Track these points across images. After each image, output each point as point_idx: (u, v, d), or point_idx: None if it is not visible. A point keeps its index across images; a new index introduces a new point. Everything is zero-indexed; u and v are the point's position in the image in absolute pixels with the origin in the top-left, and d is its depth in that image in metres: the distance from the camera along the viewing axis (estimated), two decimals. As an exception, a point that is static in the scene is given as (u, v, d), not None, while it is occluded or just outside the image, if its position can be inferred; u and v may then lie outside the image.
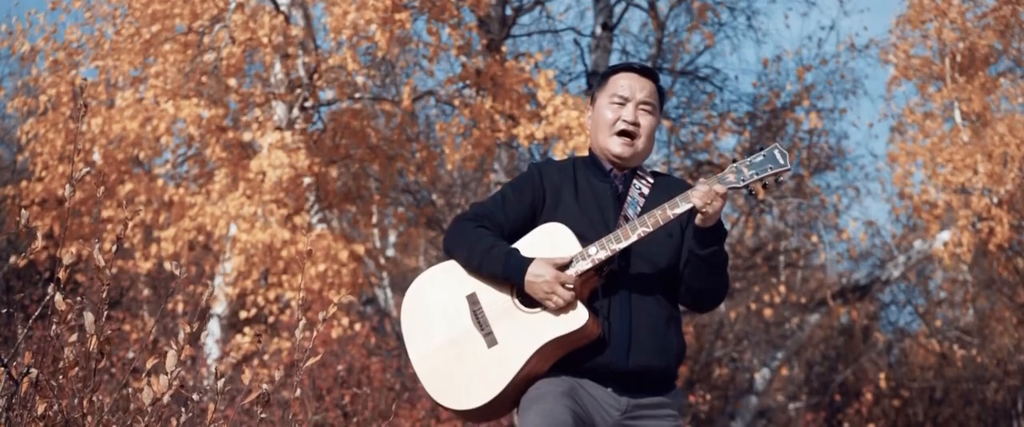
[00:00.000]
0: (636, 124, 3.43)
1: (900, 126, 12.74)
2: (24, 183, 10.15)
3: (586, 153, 3.61)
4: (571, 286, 3.24)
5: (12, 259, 10.04)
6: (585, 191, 3.42)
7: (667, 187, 3.45)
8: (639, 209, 3.40)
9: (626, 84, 3.46)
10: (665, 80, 13.37)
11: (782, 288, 13.76)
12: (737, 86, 22.89)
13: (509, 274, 3.28)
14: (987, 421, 14.18)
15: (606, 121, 3.44)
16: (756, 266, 14.39)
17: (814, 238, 14.16)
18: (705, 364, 13.85)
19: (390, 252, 14.84)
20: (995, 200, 11.64)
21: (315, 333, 3.73)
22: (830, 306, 13.56)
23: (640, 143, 3.45)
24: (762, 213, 14.12)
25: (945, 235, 12.40)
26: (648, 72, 3.52)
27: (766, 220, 14.96)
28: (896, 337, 16.05)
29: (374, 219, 12.81)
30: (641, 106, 3.45)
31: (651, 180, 3.48)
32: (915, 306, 15.78)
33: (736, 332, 14.34)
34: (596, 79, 3.59)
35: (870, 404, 14.44)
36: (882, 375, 14.02)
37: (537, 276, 3.24)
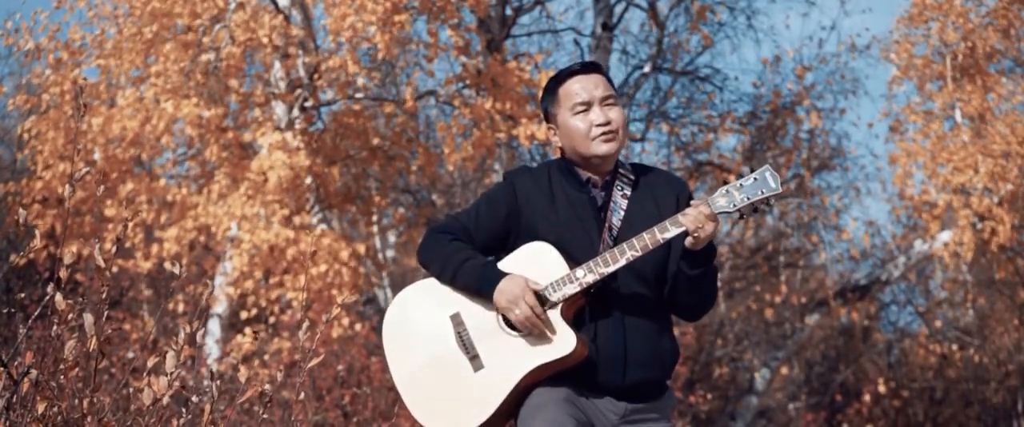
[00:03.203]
0: (609, 122, 3.35)
1: (897, 125, 12.73)
2: (24, 181, 10.15)
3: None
4: (537, 310, 3.17)
5: (12, 258, 10.04)
6: (562, 203, 3.35)
7: (650, 187, 3.39)
8: (622, 213, 3.33)
9: (578, 88, 3.37)
10: (665, 80, 13.38)
11: (782, 288, 13.75)
12: (737, 86, 22.82)
13: (481, 285, 3.22)
14: (987, 421, 14.17)
15: (580, 132, 3.34)
16: (756, 266, 14.39)
17: (814, 238, 14.17)
18: (705, 364, 13.85)
19: (390, 252, 14.84)
20: (996, 200, 11.64)
21: (317, 334, 3.73)
22: (830, 306, 13.55)
23: (620, 136, 3.38)
24: (762, 213, 14.12)
25: (945, 235, 12.40)
26: (591, 66, 3.44)
27: (766, 220, 14.95)
28: (896, 337, 16.04)
29: (374, 218, 12.82)
30: (604, 103, 3.36)
31: (632, 177, 3.41)
32: (915, 306, 15.78)
33: (736, 332, 14.33)
34: (543, 95, 3.47)
35: (870, 404, 14.43)
36: (881, 380, 14.02)
37: (504, 290, 3.19)
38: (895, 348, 15.92)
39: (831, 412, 14.60)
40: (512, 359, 3.21)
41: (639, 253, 3.21)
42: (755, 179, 3.23)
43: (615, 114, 3.36)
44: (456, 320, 3.28)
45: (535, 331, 3.20)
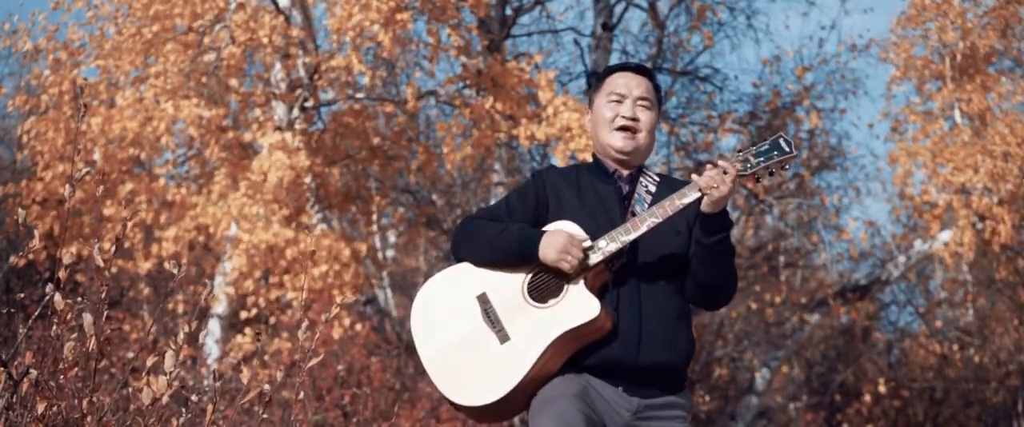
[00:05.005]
0: (635, 119, 3.45)
1: (898, 125, 12.73)
2: (24, 182, 10.14)
3: (590, 157, 3.62)
4: (586, 244, 3.25)
5: (12, 259, 10.03)
6: (588, 193, 3.43)
7: (672, 185, 3.46)
8: (647, 205, 3.40)
9: (623, 82, 3.49)
10: (665, 80, 13.36)
11: (782, 288, 13.75)
12: (737, 86, 22.87)
13: (523, 244, 3.28)
14: (987, 421, 14.17)
15: (605, 119, 3.46)
16: (756, 266, 14.38)
17: (814, 238, 14.16)
18: (705, 364, 13.84)
19: (390, 252, 14.84)
20: (996, 200, 11.64)
21: (317, 334, 3.73)
22: (830, 306, 13.55)
23: (641, 138, 3.46)
24: (762, 213, 14.12)
25: (945, 235, 12.40)
26: (644, 70, 3.54)
27: (766, 220, 14.95)
28: (896, 337, 16.04)
29: (374, 218, 12.82)
30: (639, 102, 3.47)
31: (656, 178, 3.50)
32: (915, 306, 15.78)
33: (736, 332, 14.32)
34: (594, 82, 3.59)
35: (870, 404, 14.43)
36: (881, 380, 14.01)
37: (550, 244, 3.25)
38: (895, 348, 15.92)
39: (831, 412, 14.60)
40: (538, 329, 3.26)
41: (659, 220, 3.28)
42: (769, 144, 3.32)
43: (645, 116, 3.47)
44: (482, 299, 3.35)
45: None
